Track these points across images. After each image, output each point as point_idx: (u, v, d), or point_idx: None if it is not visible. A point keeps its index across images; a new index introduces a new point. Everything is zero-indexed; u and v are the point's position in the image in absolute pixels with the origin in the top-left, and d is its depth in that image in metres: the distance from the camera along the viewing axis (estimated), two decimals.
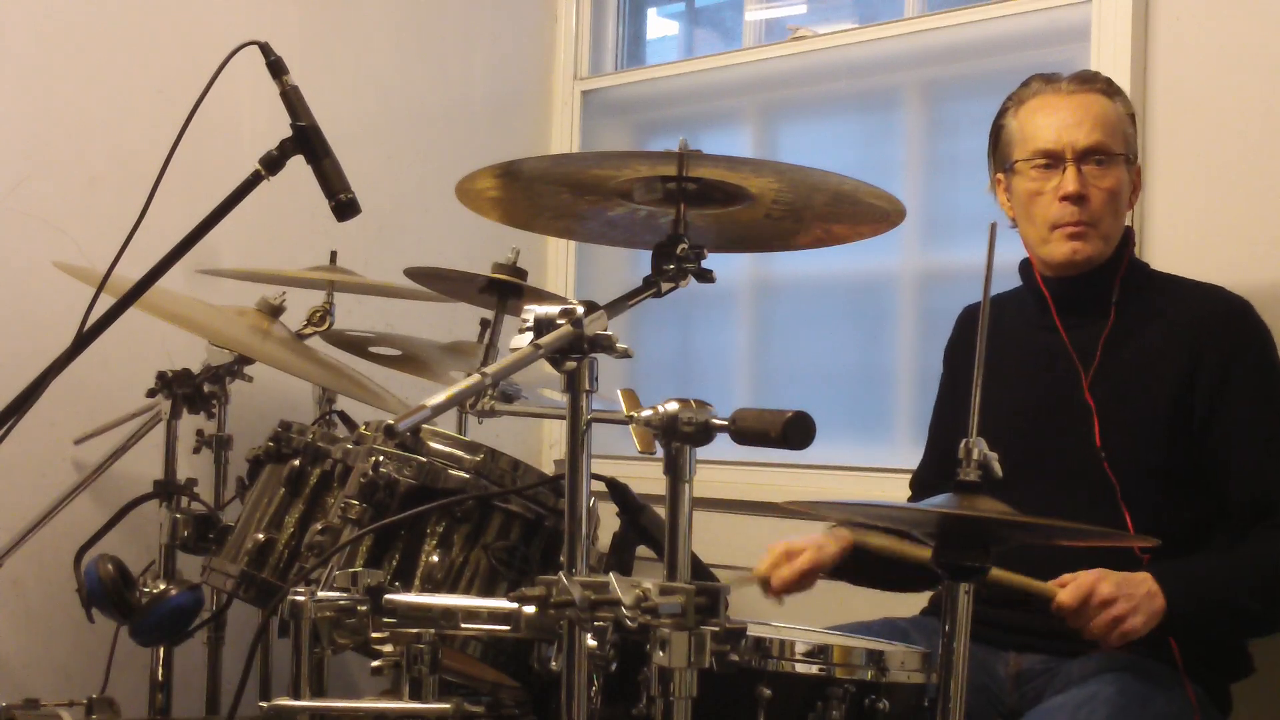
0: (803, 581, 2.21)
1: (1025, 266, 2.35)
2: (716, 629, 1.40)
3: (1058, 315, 2.27)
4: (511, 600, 1.53)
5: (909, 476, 2.55)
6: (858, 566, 2.29)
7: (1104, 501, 2.13)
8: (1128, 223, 2.32)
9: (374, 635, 1.71)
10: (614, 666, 1.64)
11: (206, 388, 2.60)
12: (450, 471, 2.04)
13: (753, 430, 1.43)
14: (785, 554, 2.20)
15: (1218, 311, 2.22)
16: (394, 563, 1.98)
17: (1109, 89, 2.27)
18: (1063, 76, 2.28)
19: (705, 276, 1.70)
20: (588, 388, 1.51)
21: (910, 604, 2.38)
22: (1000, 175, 2.34)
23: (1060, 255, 2.23)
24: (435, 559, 1.99)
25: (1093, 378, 2.21)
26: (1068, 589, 1.98)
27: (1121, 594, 1.97)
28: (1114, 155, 2.22)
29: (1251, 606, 2.10)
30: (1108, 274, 2.26)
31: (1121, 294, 2.25)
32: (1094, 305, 2.25)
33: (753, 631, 1.81)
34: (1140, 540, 1.93)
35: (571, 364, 1.49)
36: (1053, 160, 2.22)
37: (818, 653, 1.80)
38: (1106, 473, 2.15)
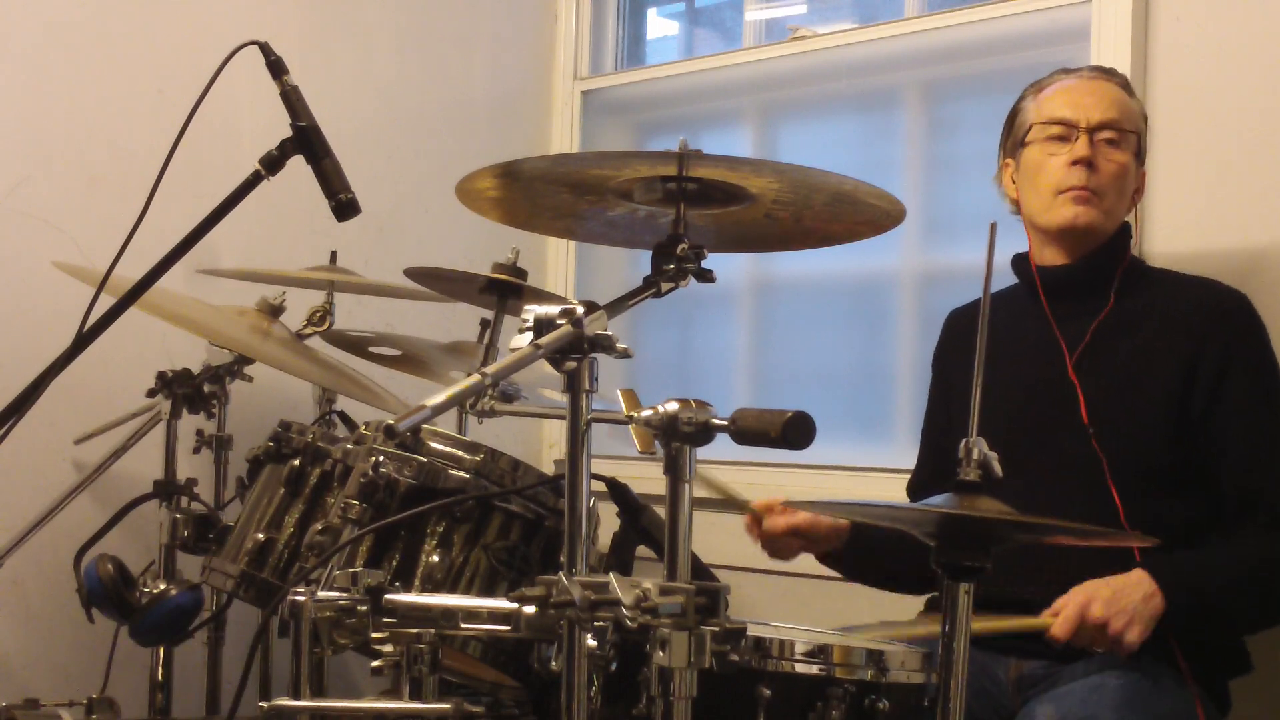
0: (790, 542, 2.25)
1: (1020, 260, 2.35)
2: (716, 629, 1.40)
3: (1049, 303, 2.28)
4: (511, 600, 1.53)
5: (908, 477, 2.55)
6: (854, 556, 2.30)
7: (1094, 483, 2.13)
8: (1128, 218, 2.32)
9: (374, 635, 1.70)
10: (614, 666, 1.64)
11: (206, 388, 2.60)
12: (450, 471, 2.04)
13: (753, 430, 1.43)
14: (783, 508, 2.26)
15: (1218, 304, 2.23)
16: (394, 563, 1.98)
17: (1127, 86, 2.32)
18: (1084, 67, 2.33)
19: (705, 276, 1.69)
20: (588, 388, 1.51)
21: (908, 607, 2.38)
22: (1009, 160, 2.35)
23: (1063, 219, 2.24)
24: (435, 559, 1.99)
25: (1078, 358, 2.22)
26: (1059, 621, 1.98)
27: (1113, 612, 1.97)
28: (1126, 133, 2.25)
29: (1244, 606, 2.10)
30: (1105, 264, 2.27)
31: (1121, 285, 2.26)
32: (1090, 294, 2.26)
33: (753, 631, 1.81)
34: (1140, 540, 1.93)
35: (571, 364, 1.49)
36: (1067, 129, 2.24)
37: (818, 653, 1.80)
38: (1095, 450, 2.14)
